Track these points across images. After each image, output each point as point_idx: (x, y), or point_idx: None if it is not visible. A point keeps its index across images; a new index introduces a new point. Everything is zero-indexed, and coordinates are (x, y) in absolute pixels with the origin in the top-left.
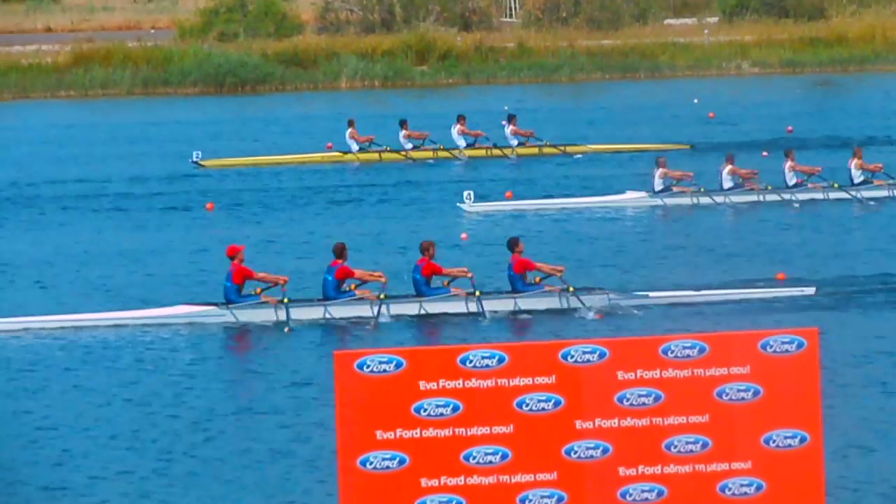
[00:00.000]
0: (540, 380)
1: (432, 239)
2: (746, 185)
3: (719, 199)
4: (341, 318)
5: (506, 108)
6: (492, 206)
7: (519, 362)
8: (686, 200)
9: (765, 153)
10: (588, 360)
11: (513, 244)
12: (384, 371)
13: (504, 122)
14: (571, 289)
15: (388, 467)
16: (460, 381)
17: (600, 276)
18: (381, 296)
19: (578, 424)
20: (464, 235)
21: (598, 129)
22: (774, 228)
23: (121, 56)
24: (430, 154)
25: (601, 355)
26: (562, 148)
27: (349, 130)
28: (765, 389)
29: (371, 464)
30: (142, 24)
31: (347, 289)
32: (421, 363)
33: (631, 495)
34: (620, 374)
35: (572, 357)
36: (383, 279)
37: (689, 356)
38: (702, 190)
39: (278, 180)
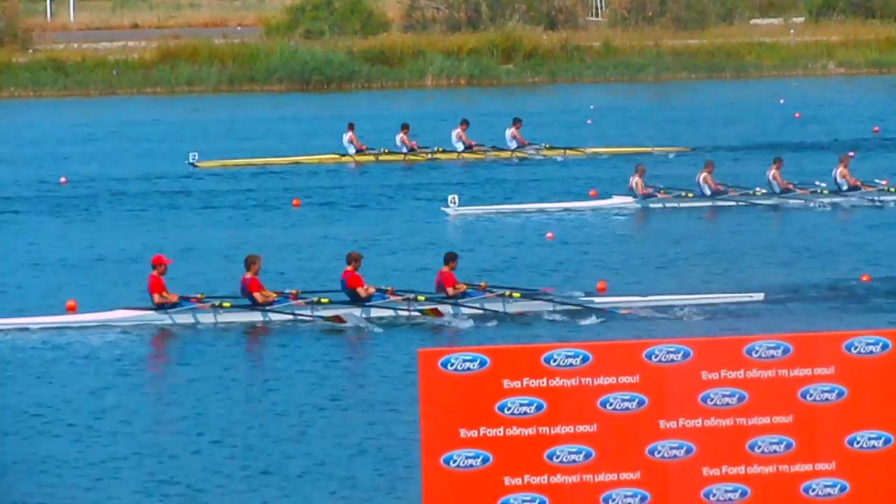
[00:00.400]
0: (624, 379)
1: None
2: (730, 191)
3: (701, 203)
4: (280, 322)
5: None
6: (475, 209)
7: (603, 361)
8: (671, 205)
9: (851, 153)
10: (672, 360)
11: (449, 258)
12: (468, 369)
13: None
14: (517, 294)
15: (471, 465)
16: (544, 380)
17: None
18: (323, 300)
19: (662, 424)
20: (550, 235)
21: (687, 129)
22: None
23: (207, 53)
24: (428, 156)
25: (685, 355)
26: (562, 151)
27: (348, 134)
28: (849, 390)
29: (455, 462)
30: (228, 21)
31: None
32: (505, 362)
33: (714, 495)
34: (704, 374)
35: (656, 357)
36: (273, 296)
37: (773, 356)
38: (688, 195)
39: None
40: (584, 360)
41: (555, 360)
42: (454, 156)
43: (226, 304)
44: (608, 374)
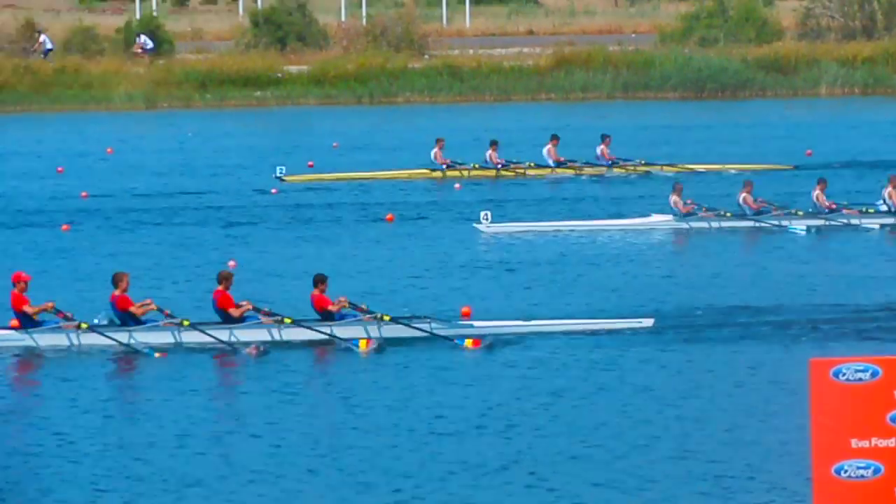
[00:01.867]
0: None
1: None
2: (773, 209)
3: (741, 223)
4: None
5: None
6: (508, 226)
7: None
8: (705, 225)
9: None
10: None
11: (317, 280)
12: (859, 379)
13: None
14: (387, 318)
15: (862, 476)
16: None
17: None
18: (185, 322)
19: None
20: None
21: None
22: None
23: (601, 60)
24: (522, 172)
25: None
26: (649, 167)
27: (434, 150)
28: None
29: (846, 472)
30: (623, 29)
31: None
32: None
33: None
34: None
35: None
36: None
37: None
38: (727, 214)
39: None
40: None
41: None
42: (547, 171)
43: (82, 325)
44: None
